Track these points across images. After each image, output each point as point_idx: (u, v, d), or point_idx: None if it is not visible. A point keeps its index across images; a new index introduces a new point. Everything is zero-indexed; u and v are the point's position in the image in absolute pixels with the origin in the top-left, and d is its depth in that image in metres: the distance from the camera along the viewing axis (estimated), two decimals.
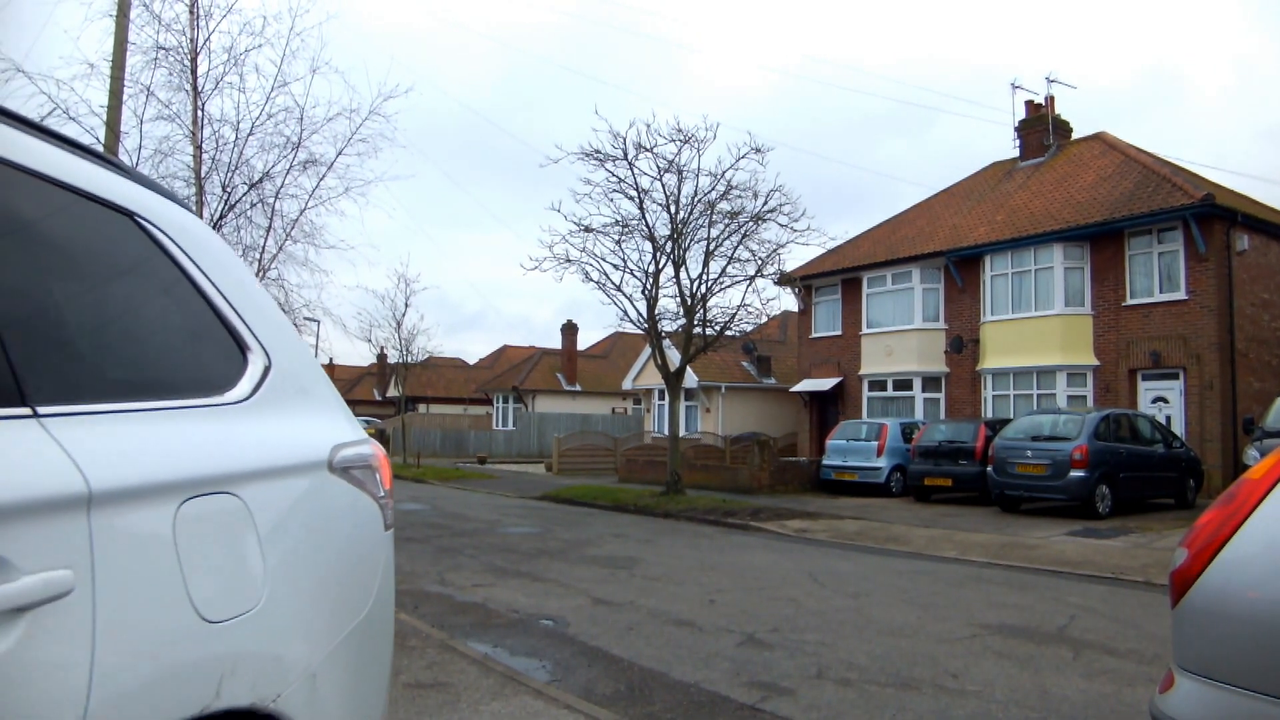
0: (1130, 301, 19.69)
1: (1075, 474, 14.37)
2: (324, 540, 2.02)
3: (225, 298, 1.96)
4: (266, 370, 2.00)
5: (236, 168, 12.36)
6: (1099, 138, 24.33)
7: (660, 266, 18.91)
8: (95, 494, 1.36)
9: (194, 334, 1.91)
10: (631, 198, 18.54)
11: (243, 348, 1.98)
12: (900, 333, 24.05)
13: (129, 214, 1.79)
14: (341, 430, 2.21)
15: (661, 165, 18.23)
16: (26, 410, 1.34)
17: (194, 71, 12.10)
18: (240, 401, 1.89)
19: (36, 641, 1.22)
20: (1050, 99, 25.71)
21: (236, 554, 1.68)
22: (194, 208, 2.04)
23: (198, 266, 1.92)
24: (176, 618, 1.49)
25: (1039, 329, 20.94)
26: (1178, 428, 18.43)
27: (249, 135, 12.32)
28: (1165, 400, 19.16)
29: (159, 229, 1.85)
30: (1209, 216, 18.35)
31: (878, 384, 24.70)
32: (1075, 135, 25.61)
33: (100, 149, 1.91)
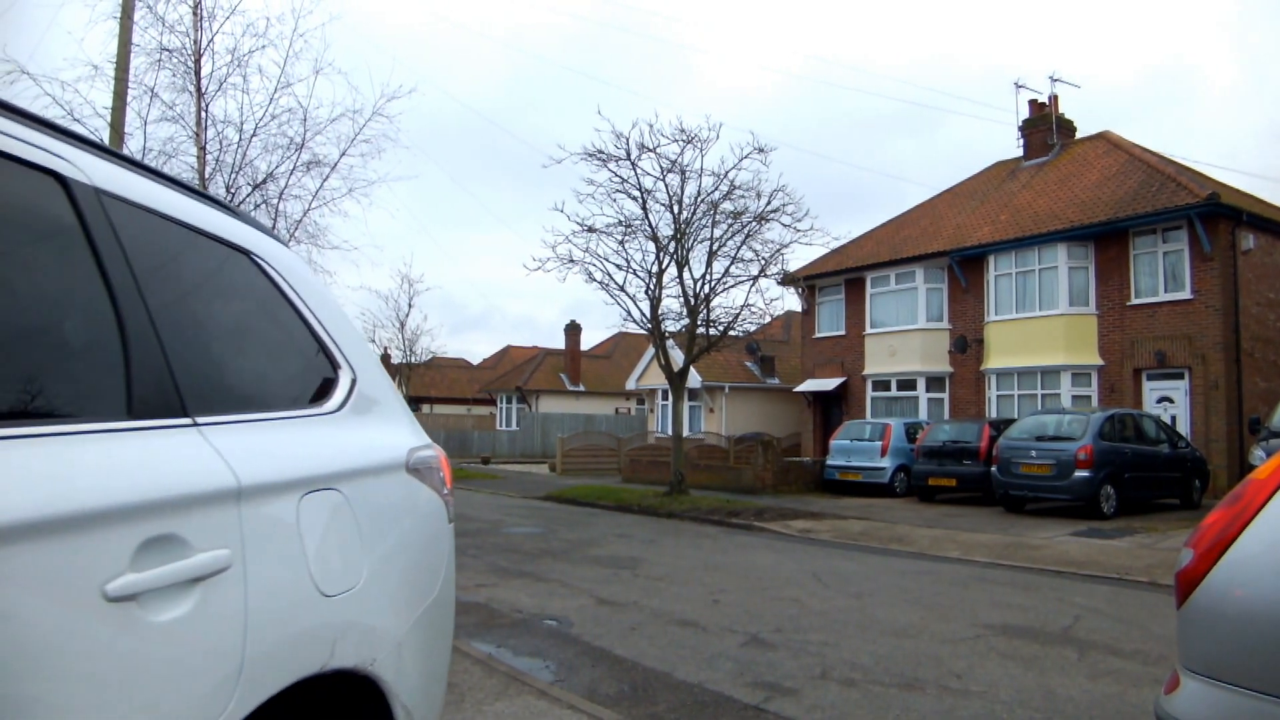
0: (1135, 301, 19.64)
1: (1080, 474, 14.34)
2: (404, 531, 2.34)
3: (320, 321, 2.31)
4: (353, 384, 2.33)
5: (240, 169, 12.38)
6: (1103, 137, 24.28)
7: (663, 266, 18.91)
8: (243, 488, 1.68)
9: (298, 353, 2.25)
10: (634, 198, 18.55)
11: (334, 365, 2.31)
12: (904, 333, 24.02)
13: (246, 253, 2.14)
14: (411, 436, 2.53)
15: (664, 165, 18.25)
16: (189, 421, 1.67)
17: (198, 73, 12.13)
18: (335, 411, 2.22)
19: (208, 604, 1.53)
20: (1054, 98, 25.67)
21: (342, 541, 2.00)
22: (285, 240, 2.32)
23: (298, 295, 2.26)
24: (303, 591, 1.81)
25: (1043, 329, 20.90)
26: (1183, 428, 18.39)
27: (252, 136, 12.35)
28: (1170, 400, 19.12)
29: (269, 264, 2.20)
30: (1214, 216, 18.31)
31: (881, 384, 24.67)
32: (1082, 134, 25.54)
33: (224, 198, 2.32)
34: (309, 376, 2.26)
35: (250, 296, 2.13)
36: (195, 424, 1.68)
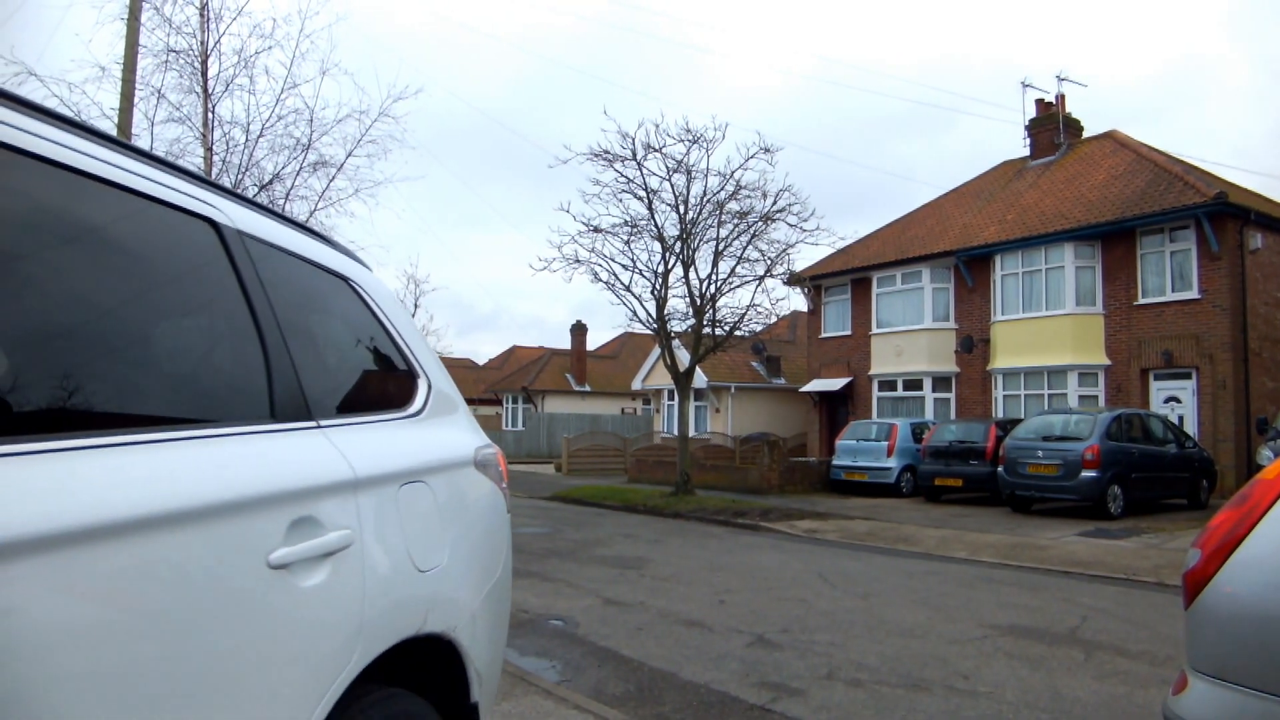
0: (1142, 301, 19.59)
1: (1087, 474, 14.30)
2: (474, 518, 2.66)
3: (402, 336, 2.65)
4: (429, 390, 2.66)
5: (247, 169, 12.42)
6: (1110, 136, 24.21)
7: (669, 266, 18.92)
8: (359, 480, 2.01)
9: (388, 364, 2.61)
10: (640, 198, 18.56)
11: (414, 374, 2.64)
12: (910, 332, 23.98)
13: (345, 279, 2.49)
14: (475, 435, 2.87)
15: (670, 165, 18.25)
16: (314, 424, 1.99)
17: (204, 74, 12.17)
18: (417, 414, 2.54)
19: (337, 575, 1.83)
20: (1061, 97, 25.61)
21: (429, 526, 2.32)
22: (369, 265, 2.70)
23: (385, 314, 2.61)
24: (404, 566, 2.13)
25: (1050, 328, 20.85)
26: (1190, 428, 18.33)
27: (259, 137, 12.39)
28: (1178, 400, 19.06)
29: (363, 288, 2.55)
30: (1222, 215, 18.24)
31: (888, 384, 24.64)
32: (1092, 133, 25.46)
33: (326, 231, 2.76)
34: (396, 384, 2.60)
35: (350, 316, 2.49)
36: (319, 426, 2.02)
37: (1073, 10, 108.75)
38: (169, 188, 1.79)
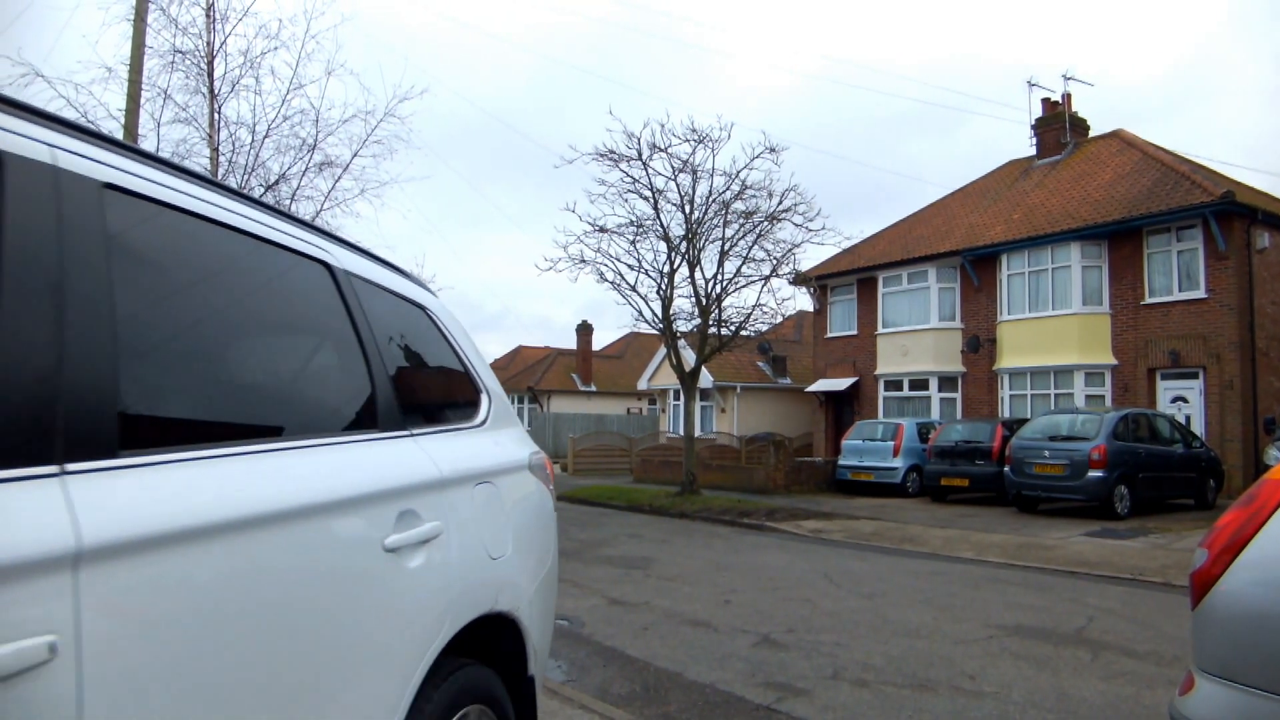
0: (1149, 300, 19.52)
1: (1093, 474, 14.27)
2: (530, 514, 3.03)
3: (467, 356, 3.06)
4: (490, 404, 3.06)
5: (253, 170, 12.44)
6: (1116, 135, 24.14)
7: (675, 266, 18.92)
8: (445, 479, 2.41)
9: (458, 381, 3.00)
10: (646, 198, 18.57)
11: (478, 390, 3.06)
12: (916, 332, 23.94)
13: (422, 308, 2.87)
14: (528, 443, 3.27)
15: (676, 165, 18.25)
16: (407, 433, 2.38)
17: (210, 75, 12.19)
18: (481, 425, 2.94)
19: (431, 559, 2.22)
20: (1067, 96, 25.54)
21: (497, 520, 2.71)
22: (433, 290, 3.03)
23: (453, 337, 3.00)
24: (480, 554, 2.54)
25: (1056, 328, 20.80)
26: (1197, 427, 18.26)
27: (265, 138, 12.42)
28: (1185, 400, 18.99)
29: (435, 315, 2.95)
30: (1229, 214, 18.18)
31: (893, 384, 24.60)
32: (1099, 132, 25.39)
33: (406, 267, 3.02)
34: (465, 399, 2.99)
35: (427, 340, 2.87)
36: (411, 434, 2.41)
37: (1083, 8, 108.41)
38: (294, 236, 2.18)
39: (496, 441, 2.97)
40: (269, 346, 2.15)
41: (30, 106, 1.56)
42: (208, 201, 1.85)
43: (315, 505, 1.87)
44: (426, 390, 2.82)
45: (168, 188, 1.74)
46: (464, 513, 2.50)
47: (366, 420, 2.28)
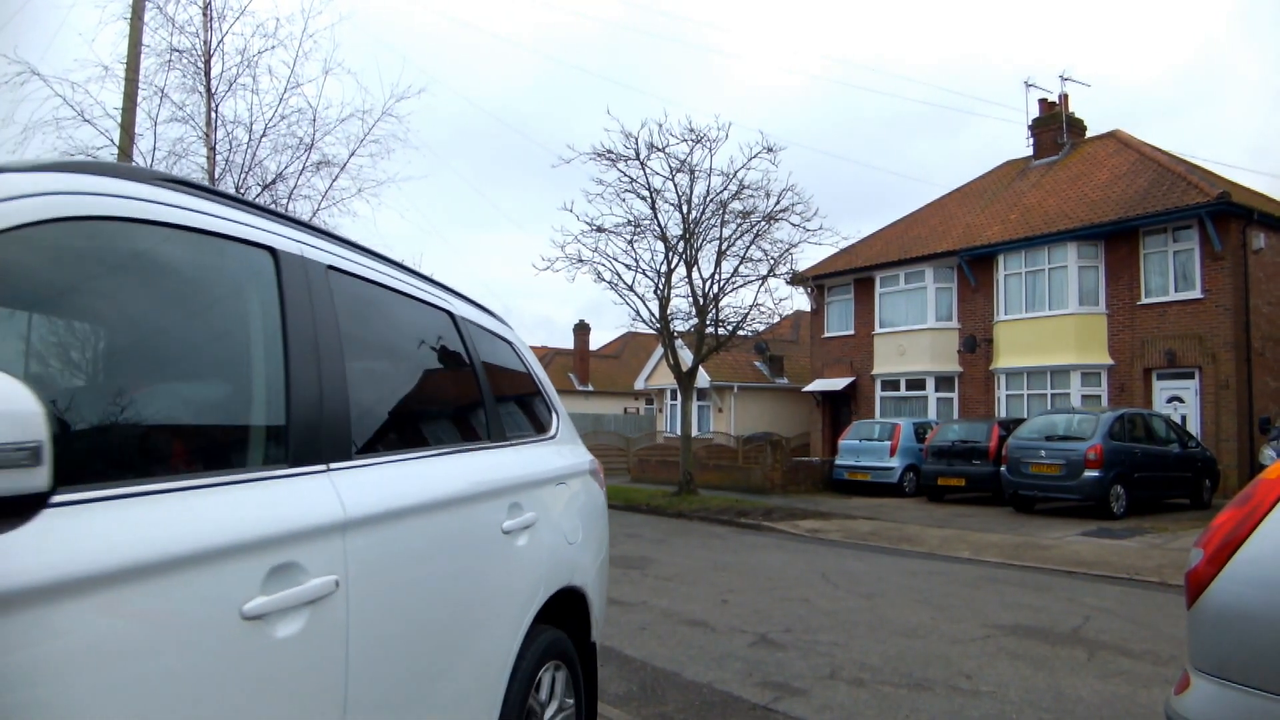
0: (1145, 300, 19.56)
1: (1090, 474, 14.29)
2: (592, 509, 3.66)
3: (542, 381, 3.70)
4: (558, 420, 3.70)
5: (250, 169, 12.42)
6: (1113, 136, 24.17)
7: (672, 266, 18.93)
8: (536, 479, 3.07)
9: (537, 401, 3.63)
10: (643, 197, 18.57)
11: (549, 408, 3.70)
12: (913, 332, 23.97)
13: (510, 343, 3.49)
14: (585, 451, 3.89)
15: (674, 165, 18.25)
16: (508, 443, 3.04)
17: (207, 73, 12.17)
18: (553, 437, 3.58)
19: (531, 539, 2.85)
20: (1064, 97, 25.56)
21: (570, 513, 3.36)
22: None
23: (531, 365, 3.63)
24: (560, 539, 3.16)
25: (1053, 328, 20.83)
26: (1193, 427, 18.30)
27: (262, 137, 12.39)
28: (1181, 400, 19.03)
29: (517, 347, 3.55)
30: (1225, 215, 18.21)
31: (890, 384, 24.62)
32: (1096, 132, 25.41)
33: (489, 306, 3.56)
34: (542, 415, 3.62)
35: (514, 368, 3.45)
36: (511, 444, 3.09)
37: (1089, 10, 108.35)
38: (431, 292, 2.86)
39: (565, 450, 3.61)
40: (424, 377, 2.88)
41: (289, 217, 2.21)
42: (383, 272, 2.52)
43: (466, 495, 2.55)
44: (518, 408, 3.46)
45: (360, 264, 2.39)
46: (549, 506, 3.14)
47: (482, 433, 2.95)
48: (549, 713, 2.96)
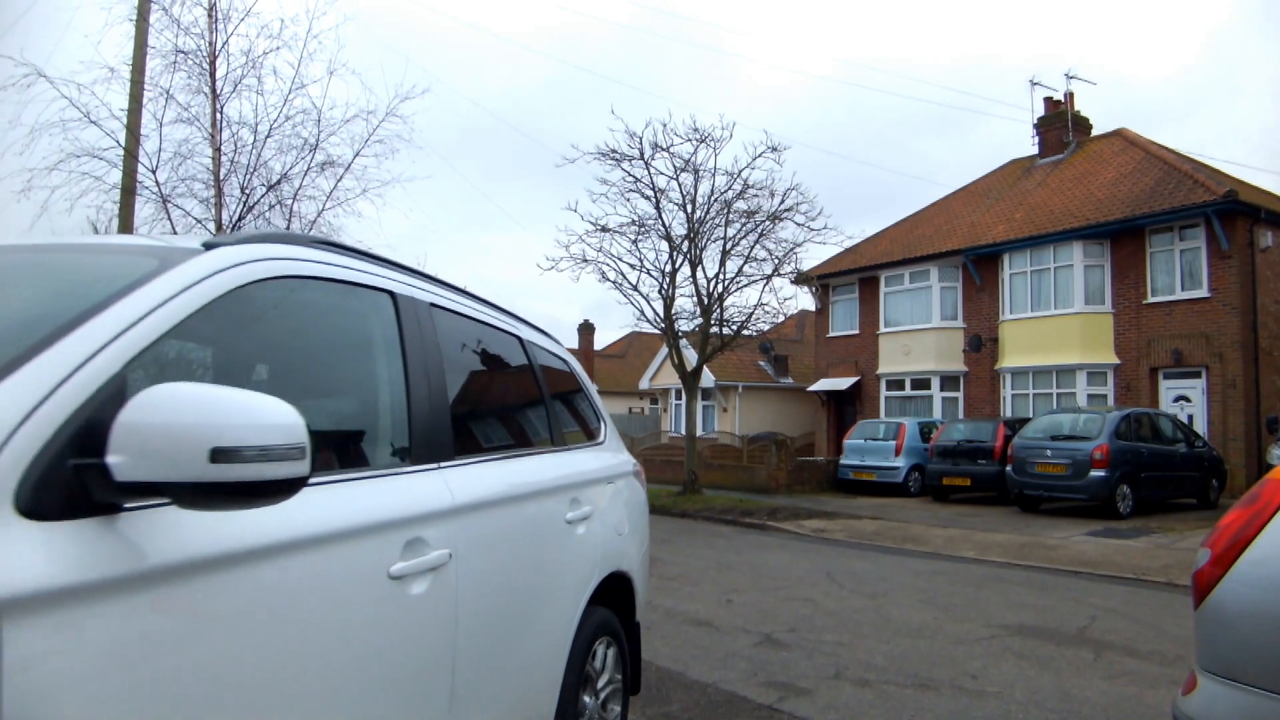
0: (1151, 299, 19.50)
1: (1096, 473, 14.25)
2: (636, 506, 4.16)
3: (592, 395, 4.25)
4: (606, 428, 4.24)
5: (255, 170, 12.43)
6: (1119, 134, 24.10)
7: (677, 266, 18.91)
8: (591, 479, 3.54)
9: (588, 413, 4.14)
10: (648, 197, 18.56)
11: (598, 417, 4.23)
12: (918, 332, 23.93)
13: (566, 362, 4.05)
14: (628, 456, 4.38)
15: (678, 164, 18.23)
16: (566, 448, 3.55)
17: (212, 74, 12.18)
18: (602, 443, 4.09)
19: (589, 527, 3.33)
20: (1070, 95, 25.52)
21: (618, 508, 3.83)
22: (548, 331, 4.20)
23: (584, 382, 4.20)
24: (611, 530, 3.64)
25: (1058, 327, 20.78)
26: (1200, 427, 18.24)
27: (267, 137, 12.39)
28: (1187, 399, 18.97)
29: (573, 366, 4.13)
30: (1232, 213, 18.15)
31: (895, 383, 24.59)
32: (1102, 130, 25.33)
33: (550, 331, 4.06)
34: (592, 424, 4.14)
35: (569, 383, 4.02)
36: (569, 449, 3.64)
37: (1101, 9, 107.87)
38: (504, 320, 3.41)
39: (612, 454, 4.12)
40: (501, 391, 3.48)
41: (403, 265, 2.68)
42: (469, 306, 3.05)
43: (537, 490, 3.05)
44: (573, 418, 3.95)
45: (453, 300, 2.91)
46: (602, 502, 3.60)
47: (547, 438, 3.48)
48: (602, 681, 3.45)
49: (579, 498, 3.33)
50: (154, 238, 2.31)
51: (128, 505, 1.44)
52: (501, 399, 3.47)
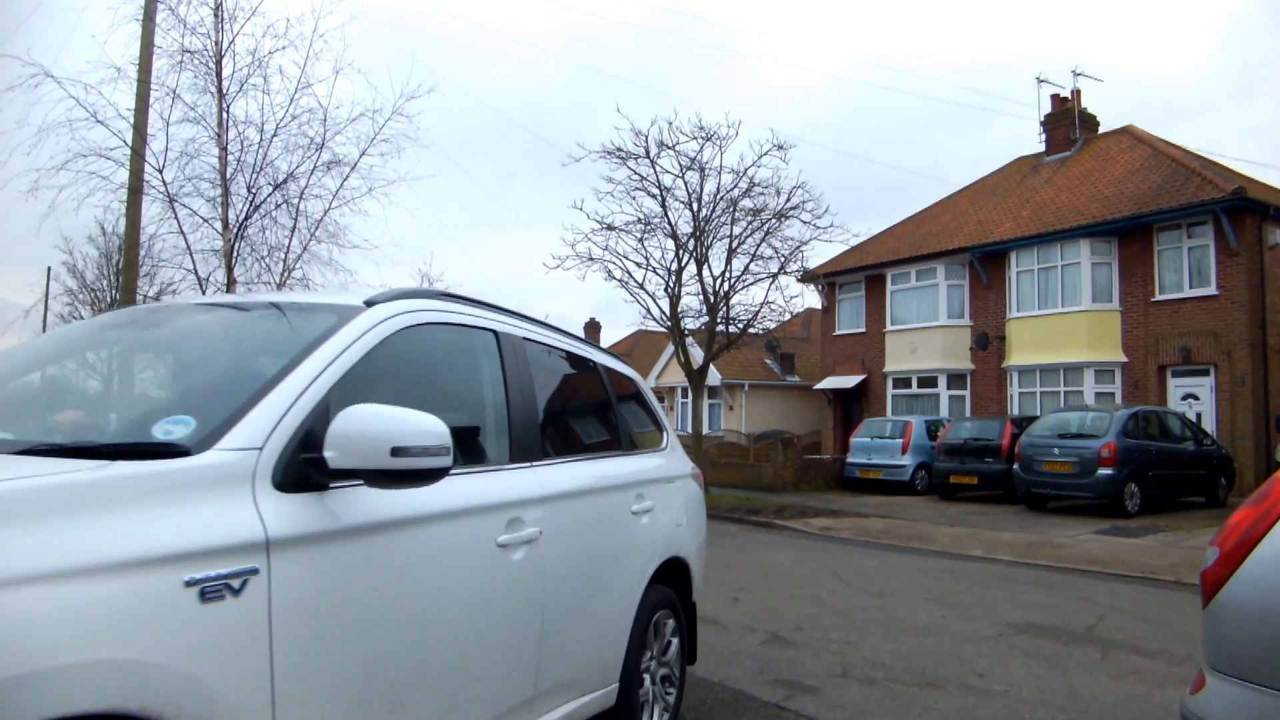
0: (1159, 297, 19.43)
1: (1103, 472, 14.20)
2: (693, 503, 4.72)
3: (655, 408, 4.81)
4: (667, 436, 4.77)
5: (261, 169, 12.44)
6: (1126, 131, 23.99)
7: (683, 264, 18.91)
8: (653, 479, 4.20)
9: (652, 424, 4.69)
10: (653, 195, 18.57)
11: (660, 427, 4.76)
12: (925, 329, 23.88)
13: (633, 381, 4.61)
14: (688, 460, 4.98)
15: (684, 163, 18.22)
16: (635, 452, 4.28)
17: (219, 74, 12.19)
18: (664, 450, 4.62)
19: (650, 520, 3.98)
20: (1077, 92, 25.42)
21: (676, 504, 4.40)
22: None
23: (647, 396, 4.75)
24: (670, 522, 4.22)
25: (1066, 325, 20.71)
26: (1208, 425, 18.18)
27: (273, 136, 12.40)
28: (1195, 397, 18.90)
29: (637, 382, 4.66)
30: (1240, 210, 18.07)
31: (902, 381, 24.54)
32: (1109, 128, 25.24)
33: (613, 352, 4.84)
34: (656, 434, 4.67)
35: (634, 397, 4.57)
36: (635, 454, 4.23)
37: (1116, 6, 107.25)
38: (581, 348, 4.13)
39: (673, 459, 4.67)
40: (579, 406, 4.11)
41: (504, 308, 3.41)
42: (554, 338, 3.76)
43: (608, 486, 3.73)
44: (638, 428, 4.49)
45: (541, 334, 3.61)
46: (662, 499, 4.17)
47: (616, 445, 4.13)
48: (660, 645, 4.07)
49: (643, 494, 3.96)
50: (328, 294, 3.31)
51: (333, 485, 2.16)
52: (579, 412, 4.10)
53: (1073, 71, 26.16)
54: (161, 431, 2.08)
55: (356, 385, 2.38)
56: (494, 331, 3.18)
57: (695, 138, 18.03)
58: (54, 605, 1.52)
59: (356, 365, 2.39)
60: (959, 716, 4.64)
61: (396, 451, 2.07)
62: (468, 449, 2.93)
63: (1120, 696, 5.00)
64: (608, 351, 4.50)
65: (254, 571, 1.89)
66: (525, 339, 3.38)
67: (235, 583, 1.84)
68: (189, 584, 1.75)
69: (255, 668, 1.87)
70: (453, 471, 2.35)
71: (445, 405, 2.82)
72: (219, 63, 12.20)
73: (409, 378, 2.76)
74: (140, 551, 1.69)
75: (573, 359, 3.96)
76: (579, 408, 4.10)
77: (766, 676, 5.35)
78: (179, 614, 1.72)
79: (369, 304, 2.63)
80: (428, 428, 2.14)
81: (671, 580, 4.22)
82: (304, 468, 2.09)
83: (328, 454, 2.08)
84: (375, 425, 2.09)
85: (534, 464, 3.14)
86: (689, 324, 19.84)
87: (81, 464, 1.84)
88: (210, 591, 1.79)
